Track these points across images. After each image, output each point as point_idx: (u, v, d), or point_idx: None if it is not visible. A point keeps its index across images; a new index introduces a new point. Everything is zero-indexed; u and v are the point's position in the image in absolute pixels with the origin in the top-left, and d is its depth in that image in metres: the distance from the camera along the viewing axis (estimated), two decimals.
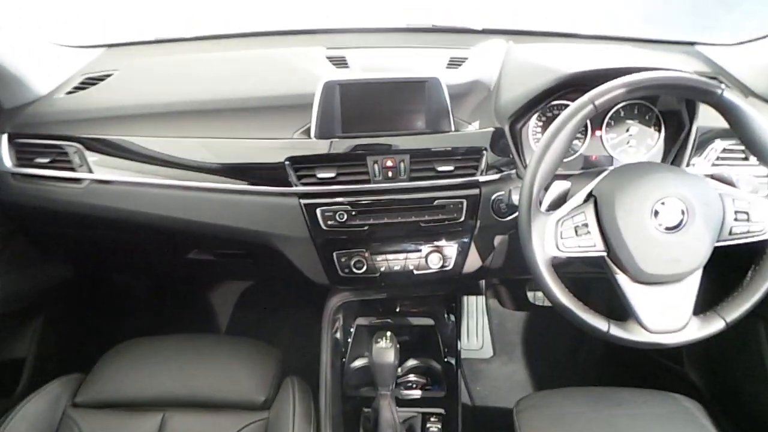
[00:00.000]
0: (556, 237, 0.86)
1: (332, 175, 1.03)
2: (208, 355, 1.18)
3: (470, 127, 1.07)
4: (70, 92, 1.19)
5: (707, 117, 1.06)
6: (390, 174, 1.04)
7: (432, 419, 1.36)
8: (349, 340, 1.35)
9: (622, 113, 1.13)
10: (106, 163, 1.09)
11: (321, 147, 1.04)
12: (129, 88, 1.20)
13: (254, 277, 1.91)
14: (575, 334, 1.79)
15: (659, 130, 1.13)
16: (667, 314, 0.86)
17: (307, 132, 1.04)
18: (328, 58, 1.22)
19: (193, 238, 1.23)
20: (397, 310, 1.37)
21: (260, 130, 1.07)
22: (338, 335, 1.28)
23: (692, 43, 1.36)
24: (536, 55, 1.15)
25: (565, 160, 1.08)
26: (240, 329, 1.93)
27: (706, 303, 0.89)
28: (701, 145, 1.10)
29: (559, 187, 0.95)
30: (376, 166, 1.03)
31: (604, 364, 1.75)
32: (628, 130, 1.13)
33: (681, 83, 0.85)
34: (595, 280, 1.15)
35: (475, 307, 1.97)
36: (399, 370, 1.31)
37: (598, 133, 1.14)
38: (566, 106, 0.90)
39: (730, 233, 0.86)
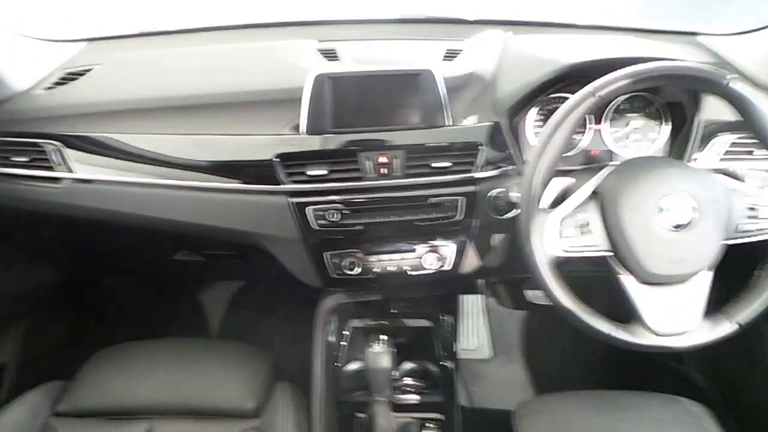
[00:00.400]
0: (557, 236, 0.83)
1: (323, 172, 1.00)
2: (196, 361, 1.15)
3: (466, 122, 1.04)
4: (49, 87, 1.15)
5: (711, 109, 1.04)
6: (383, 171, 1.01)
7: (430, 425, 1.32)
8: (343, 342, 1.32)
9: (623, 106, 1.10)
10: (86, 161, 1.05)
11: (311, 143, 1.00)
12: (111, 83, 1.16)
13: (245, 277, 1.88)
14: (575, 333, 1.76)
15: (662, 124, 1.11)
16: (674, 316, 0.83)
17: (297, 127, 1.01)
18: (318, 50, 1.19)
19: (179, 239, 1.19)
20: (393, 311, 1.34)
21: (248, 125, 1.04)
22: (331, 338, 1.25)
23: (694, 33, 1.32)
24: (534, 46, 1.12)
25: (564, 155, 1.05)
26: (231, 331, 1.90)
27: (710, 303, 0.85)
28: (705, 139, 1.07)
29: (559, 183, 0.92)
30: (369, 163, 1.00)
31: (604, 363, 1.72)
32: (629, 124, 1.10)
33: (687, 73, 0.82)
34: (595, 278, 1.12)
35: (472, 306, 1.94)
36: (395, 373, 1.28)
37: (598, 126, 1.11)
38: (566, 98, 0.86)
39: (739, 231, 0.83)
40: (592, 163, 1.11)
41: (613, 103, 1.09)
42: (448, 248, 1.09)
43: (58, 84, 1.15)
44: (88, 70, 1.18)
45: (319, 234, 1.03)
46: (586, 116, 1.02)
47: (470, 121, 1.04)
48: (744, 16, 1.29)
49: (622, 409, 1.05)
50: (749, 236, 0.84)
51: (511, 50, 1.14)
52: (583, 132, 1.10)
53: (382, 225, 1.04)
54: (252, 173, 1.01)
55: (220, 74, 1.15)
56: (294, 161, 1.00)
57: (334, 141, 1.00)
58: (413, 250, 1.09)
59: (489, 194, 1.03)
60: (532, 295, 1.81)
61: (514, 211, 1.01)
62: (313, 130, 1.00)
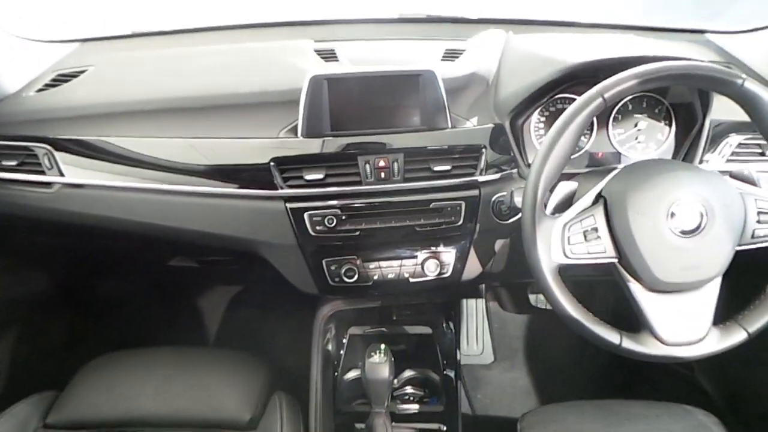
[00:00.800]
0: (563, 242, 0.80)
1: (320, 176, 0.97)
2: (190, 370, 1.12)
3: (468, 124, 1.02)
4: (40, 90, 1.12)
5: (720, 110, 1.01)
6: (383, 175, 0.98)
7: None
8: (342, 351, 1.29)
9: (630, 107, 1.07)
10: (78, 165, 1.02)
11: (308, 146, 0.97)
12: (104, 85, 1.14)
13: (243, 282, 1.85)
14: (580, 337, 1.73)
15: (670, 125, 1.08)
16: (684, 325, 0.80)
17: (294, 130, 0.98)
18: (316, 51, 1.17)
19: (173, 245, 1.16)
20: (393, 318, 1.31)
21: (243, 128, 1.01)
22: (330, 347, 1.23)
23: (702, 31, 1.30)
24: (538, 46, 1.09)
25: None
26: (228, 338, 1.86)
27: (719, 311, 0.82)
28: (714, 140, 1.04)
29: (565, 187, 0.88)
30: (367, 167, 0.97)
31: (610, 369, 1.69)
32: (636, 125, 1.08)
33: (698, 73, 0.78)
34: (599, 283, 1.09)
35: (474, 310, 1.90)
36: (395, 381, 1.25)
37: (604, 128, 1.08)
38: (571, 99, 0.84)
39: (753, 236, 0.80)
40: (597, 165, 1.08)
41: (619, 103, 1.06)
42: (449, 254, 1.06)
43: (49, 86, 1.13)
44: (80, 72, 1.16)
45: (316, 240, 1.00)
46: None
47: (472, 123, 1.02)
48: (752, 13, 1.27)
49: (631, 419, 1.02)
50: (763, 242, 0.81)
51: (514, 50, 1.11)
52: (589, 133, 1.08)
53: (381, 230, 1.01)
54: (247, 177, 0.99)
55: (214, 76, 1.13)
56: (291, 165, 0.97)
57: (332, 144, 0.98)
58: (413, 256, 1.06)
59: (491, 198, 1.00)
60: (536, 299, 1.78)
61: (517, 216, 0.98)
62: (310, 133, 0.97)
